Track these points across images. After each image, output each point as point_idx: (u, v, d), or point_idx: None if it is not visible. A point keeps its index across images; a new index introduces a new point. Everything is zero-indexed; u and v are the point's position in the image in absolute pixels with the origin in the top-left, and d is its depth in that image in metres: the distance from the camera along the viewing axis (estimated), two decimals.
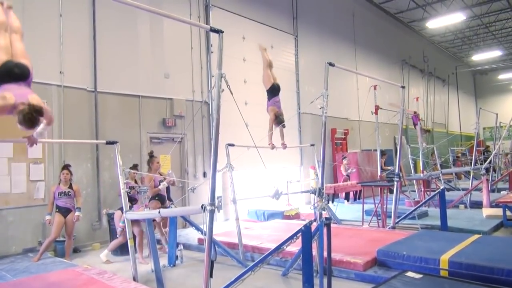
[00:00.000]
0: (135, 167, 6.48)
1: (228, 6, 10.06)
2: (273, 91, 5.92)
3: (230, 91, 3.62)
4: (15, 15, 3.24)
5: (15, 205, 6.37)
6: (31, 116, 2.74)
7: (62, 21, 7.03)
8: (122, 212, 5.40)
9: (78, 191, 6.27)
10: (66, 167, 6.25)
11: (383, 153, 12.15)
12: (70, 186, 6.18)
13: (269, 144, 5.82)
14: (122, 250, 6.07)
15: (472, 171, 10.37)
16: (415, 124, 10.44)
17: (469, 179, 10.84)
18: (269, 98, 5.92)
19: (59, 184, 6.16)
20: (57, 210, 6.02)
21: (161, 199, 6.37)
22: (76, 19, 7.27)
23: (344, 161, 11.48)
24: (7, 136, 5.94)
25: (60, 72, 6.97)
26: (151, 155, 6.50)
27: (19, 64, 2.65)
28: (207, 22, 9.42)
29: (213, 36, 9.22)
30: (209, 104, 9.32)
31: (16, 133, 6.23)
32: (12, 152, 6.38)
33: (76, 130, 7.07)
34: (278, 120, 5.76)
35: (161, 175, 6.54)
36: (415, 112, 10.30)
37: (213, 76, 9.11)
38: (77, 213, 6.06)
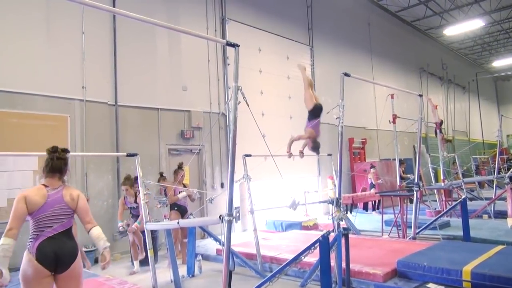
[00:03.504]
0: (135, 179, 6.35)
1: (244, 19, 10.23)
2: (316, 111, 5.41)
3: (247, 103, 3.68)
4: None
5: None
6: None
7: (85, 38, 7.30)
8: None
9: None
10: None
11: (401, 162, 12.01)
12: None
13: (287, 152, 5.80)
14: (142, 261, 6.16)
15: (495, 179, 10.10)
16: (436, 132, 10.30)
17: (493, 188, 10.56)
18: (309, 119, 5.46)
19: None
20: None
21: (181, 210, 6.45)
22: (98, 35, 7.54)
23: (372, 170, 11.40)
24: (32, 150, 6.18)
25: (83, 87, 7.21)
26: (179, 167, 6.59)
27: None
28: (223, 35, 9.60)
29: (230, 49, 9.37)
30: (226, 115, 9.44)
31: (41, 147, 6.47)
32: (37, 164, 6.59)
33: (97, 142, 7.27)
34: (314, 145, 5.46)
35: (184, 186, 6.63)
36: (442, 122, 10.19)
37: (229, 88, 9.23)
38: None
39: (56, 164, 2.91)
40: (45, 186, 2.88)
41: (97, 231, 2.99)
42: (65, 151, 2.99)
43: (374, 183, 11.21)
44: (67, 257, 2.76)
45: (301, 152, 5.87)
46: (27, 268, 2.66)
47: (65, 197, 2.87)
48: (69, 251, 2.78)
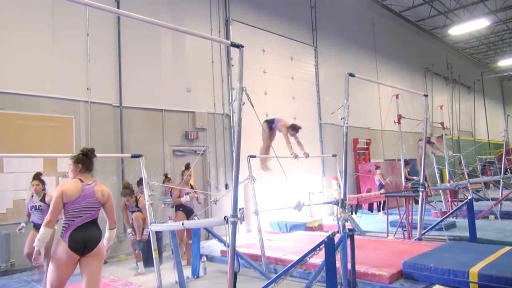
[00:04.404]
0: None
1: (248, 20, 10.23)
2: (268, 124, 6.19)
3: (251, 104, 3.67)
4: None
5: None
6: None
7: (89, 39, 7.33)
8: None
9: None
10: (36, 176, 5.49)
11: (407, 162, 11.92)
12: (43, 199, 5.40)
13: (291, 154, 5.79)
14: (147, 261, 6.16)
15: (502, 180, 10.02)
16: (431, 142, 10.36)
17: (499, 189, 10.47)
18: (271, 128, 6.16)
19: (32, 196, 5.46)
20: (33, 225, 5.43)
21: (186, 211, 6.42)
22: (102, 37, 7.57)
23: (378, 171, 11.37)
24: (37, 151, 6.22)
25: (87, 88, 7.24)
26: (186, 167, 6.56)
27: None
28: (227, 36, 9.61)
29: (234, 50, 9.37)
30: (230, 116, 9.44)
31: (46, 148, 6.50)
32: (43, 166, 6.62)
33: (102, 143, 7.28)
34: (293, 127, 5.77)
35: (192, 187, 6.61)
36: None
37: (234, 89, 9.24)
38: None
39: (88, 162, 3.45)
40: (81, 181, 3.35)
41: (113, 234, 3.66)
42: (93, 150, 3.52)
43: (383, 183, 11.16)
44: (93, 242, 3.26)
45: (305, 153, 5.87)
46: (61, 252, 3.17)
47: (97, 193, 3.38)
48: (94, 237, 3.28)
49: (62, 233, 3.21)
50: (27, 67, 6.64)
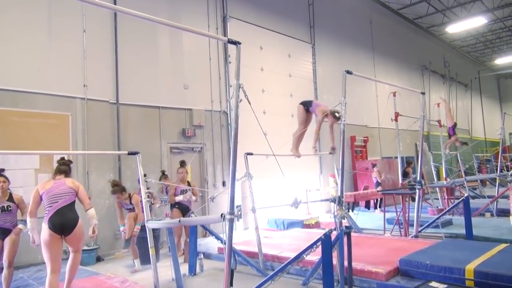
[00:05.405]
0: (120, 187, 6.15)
1: (245, 17, 10.20)
2: (305, 107, 5.72)
3: (248, 101, 3.65)
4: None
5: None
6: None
7: (86, 36, 7.29)
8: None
9: (21, 202, 4.84)
10: (0, 173, 4.77)
11: (409, 162, 11.96)
12: (11, 198, 4.75)
13: (313, 148, 5.88)
14: (144, 259, 6.15)
15: (498, 178, 10.06)
16: (450, 135, 10.43)
17: (495, 186, 10.52)
18: (307, 111, 5.69)
19: None
20: None
21: (181, 208, 6.41)
22: (99, 34, 7.53)
23: (375, 169, 11.42)
24: (34, 148, 6.20)
25: (84, 85, 7.21)
26: (181, 165, 6.52)
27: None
28: (224, 33, 9.57)
29: (231, 47, 9.36)
30: (227, 113, 9.42)
31: (42, 145, 6.48)
32: (39, 163, 6.60)
33: (99, 141, 7.27)
34: (333, 115, 5.23)
35: (189, 184, 6.59)
36: (455, 124, 10.37)
37: (231, 86, 9.22)
38: (19, 226, 4.70)
39: (58, 167, 4.36)
40: (53, 178, 4.27)
41: (92, 212, 4.28)
42: (68, 161, 4.47)
43: (379, 181, 11.18)
44: (70, 224, 4.03)
45: (333, 148, 5.86)
46: (44, 233, 3.95)
47: (67, 183, 4.19)
48: (71, 220, 4.05)
49: (44, 218, 3.93)
50: (24, 64, 6.60)
